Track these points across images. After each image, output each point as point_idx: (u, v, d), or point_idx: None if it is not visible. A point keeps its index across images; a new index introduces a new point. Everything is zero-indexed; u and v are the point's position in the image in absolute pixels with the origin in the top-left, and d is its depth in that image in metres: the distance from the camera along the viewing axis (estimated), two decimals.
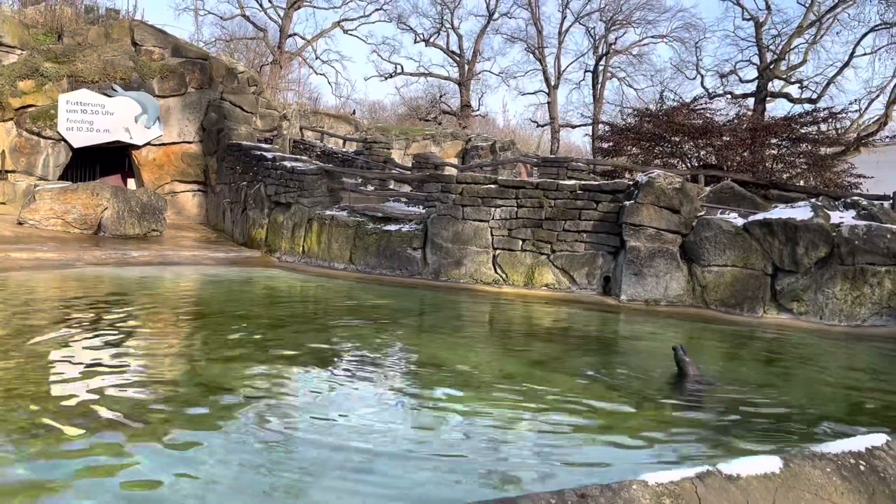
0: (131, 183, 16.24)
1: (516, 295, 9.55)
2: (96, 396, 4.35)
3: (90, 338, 5.86)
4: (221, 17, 35.11)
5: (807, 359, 6.99)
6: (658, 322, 8.34)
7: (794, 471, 2.42)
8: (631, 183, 9.70)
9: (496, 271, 9.99)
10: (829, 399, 5.48)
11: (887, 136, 22.55)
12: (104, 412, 4.08)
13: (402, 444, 3.97)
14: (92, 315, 6.75)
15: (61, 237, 11.85)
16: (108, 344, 5.70)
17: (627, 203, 9.17)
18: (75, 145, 14.76)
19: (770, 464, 2.42)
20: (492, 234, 10.04)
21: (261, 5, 34.04)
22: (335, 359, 5.79)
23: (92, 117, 14.82)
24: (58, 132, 14.50)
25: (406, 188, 15.82)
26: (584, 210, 9.67)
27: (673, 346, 5.83)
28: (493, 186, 10.13)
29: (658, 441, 4.19)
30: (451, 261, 10.12)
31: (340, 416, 4.36)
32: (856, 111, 25.41)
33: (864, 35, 26.18)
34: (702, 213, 9.31)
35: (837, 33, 37.31)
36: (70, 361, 5.13)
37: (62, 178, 14.68)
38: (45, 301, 7.62)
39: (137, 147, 15.56)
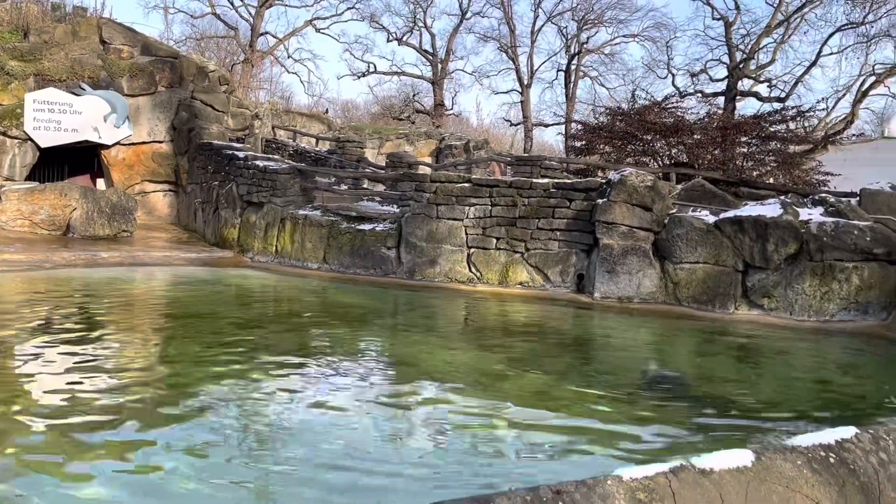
0: (101, 183, 16.01)
1: (491, 293, 9.56)
2: (61, 401, 4.28)
3: (56, 341, 5.76)
4: (192, 16, 34.68)
5: (777, 354, 7.09)
6: (631, 319, 8.40)
7: (765, 464, 2.44)
8: (603, 181, 9.75)
9: (471, 270, 9.99)
10: (800, 393, 5.56)
11: (854, 135, 22.92)
12: (72, 417, 4.02)
13: (379, 446, 3.95)
14: (59, 317, 6.65)
15: (29, 238, 11.65)
16: (75, 346, 5.61)
17: (600, 201, 9.22)
18: (42, 145, 14.52)
19: (742, 457, 2.44)
20: (466, 233, 10.05)
21: (232, 3, 33.66)
22: (309, 360, 5.76)
23: (59, 116, 14.58)
24: (24, 132, 14.25)
25: (380, 187, 15.77)
26: (557, 208, 9.71)
27: None
28: (467, 185, 10.13)
29: (633, 437, 4.21)
30: (426, 260, 10.11)
31: (314, 418, 4.34)
32: (823, 110, 25.84)
33: (831, 35, 26.59)
34: (673, 211, 9.38)
35: (805, 33, 37.78)
36: (34, 365, 5.04)
37: (29, 178, 14.42)
38: (11, 303, 7.48)
39: (107, 147, 15.33)
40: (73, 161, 15.85)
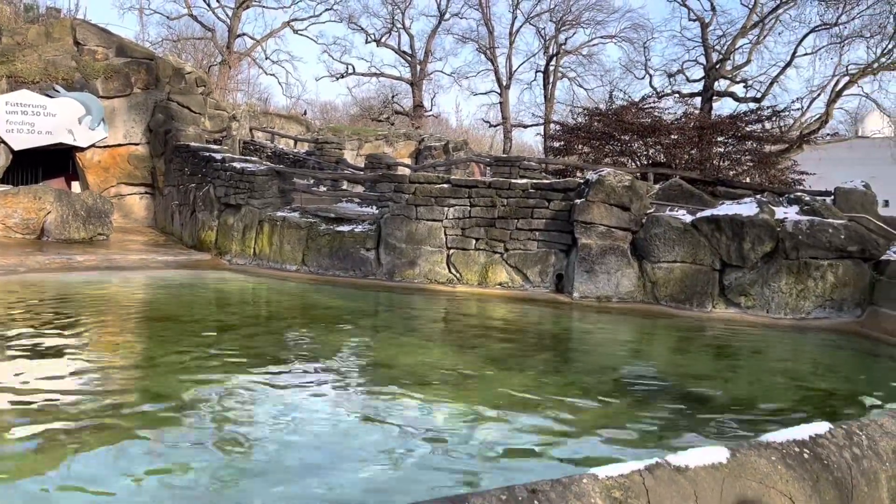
0: (76, 186, 15.82)
1: (470, 294, 9.56)
2: (37, 405, 4.21)
3: (31, 346, 5.68)
4: (168, 17, 34.33)
5: (754, 352, 7.15)
6: (610, 319, 8.44)
7: (740, 460, 2.46)
8: (581, 181, 9.79)
9: (450, 271, 9.99)
10: (775, 390, 5.61)
11: (828, 134, 23.19)
12: (48, 422, 3.96)
13: (355, 448, 3.93)
14: (33, 322, 6.55)
15: (2, 242, 11.49)
16: (50, 352, 5.54)
17: (578, 201, 9.25)
18: (16, 147, 14.32)
19: (717, 454, 2.46)
20: (445, 234, 10.04)
21: (208, 5, 33.39)
22: (288, 363, 5.72)
23: (33, 119, 14.38)
24: None
25: (359, 189, 15.74)
26: (536, 209, 9.73)
27: None
28: (446, 186, 10.13)
29: (609, 434, 4.23)
30: (405, 261, 10.09)
31: (294, 421, 4.31)
32: (798, 110, 26.07)
33: (805, 35, 26.82)
34: (651, 211, 9.44)
35: (780, 34, 38.34)
36: (7, 371, 4.97)
37: (2, 181, 14.22)
38: None
39: (82, 149, 15.15)
40: (47, 164, 15.64)
